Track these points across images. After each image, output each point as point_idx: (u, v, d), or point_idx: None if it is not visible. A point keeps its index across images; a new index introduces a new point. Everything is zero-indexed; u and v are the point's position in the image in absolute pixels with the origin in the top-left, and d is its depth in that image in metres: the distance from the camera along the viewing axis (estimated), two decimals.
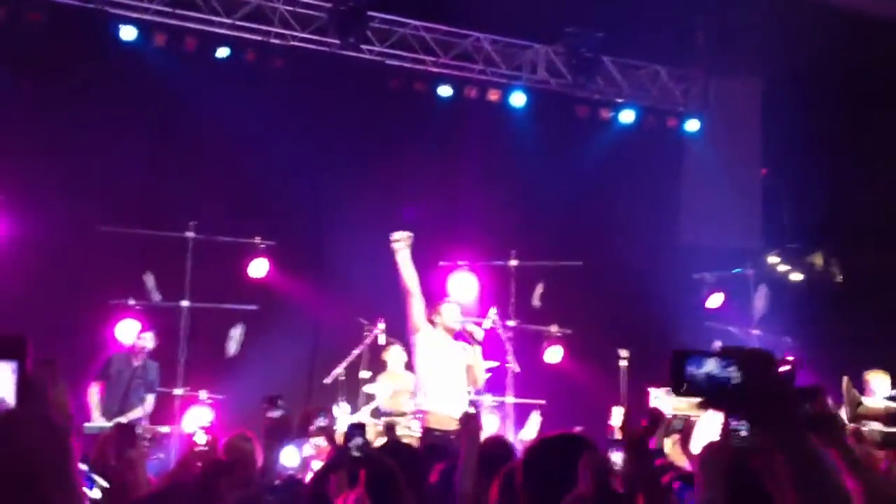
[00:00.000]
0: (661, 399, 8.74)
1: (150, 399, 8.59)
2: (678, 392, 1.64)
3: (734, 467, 2.96)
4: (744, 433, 2.78)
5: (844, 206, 10.96)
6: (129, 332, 8.75)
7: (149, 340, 8.59)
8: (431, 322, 7.35)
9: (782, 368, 1.65)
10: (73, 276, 9.01)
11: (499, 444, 4.67)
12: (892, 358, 9.27)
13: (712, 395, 1.62)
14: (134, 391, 8.38)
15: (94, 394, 8.35)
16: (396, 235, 7.30)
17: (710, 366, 1.60)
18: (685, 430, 5.28)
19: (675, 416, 5.21)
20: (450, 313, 7.40)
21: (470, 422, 4.17)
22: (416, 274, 7.23)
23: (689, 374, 1.61)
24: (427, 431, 7.04)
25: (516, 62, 11.39)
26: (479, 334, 7.41)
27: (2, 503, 1.08)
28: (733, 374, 1.59)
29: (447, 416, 6.94)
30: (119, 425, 3.95)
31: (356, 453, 4.17)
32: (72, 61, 9.59)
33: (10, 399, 1.60)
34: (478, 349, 7.40)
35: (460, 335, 7.35)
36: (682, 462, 5.31)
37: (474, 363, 7.37)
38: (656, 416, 5.54)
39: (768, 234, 11.78)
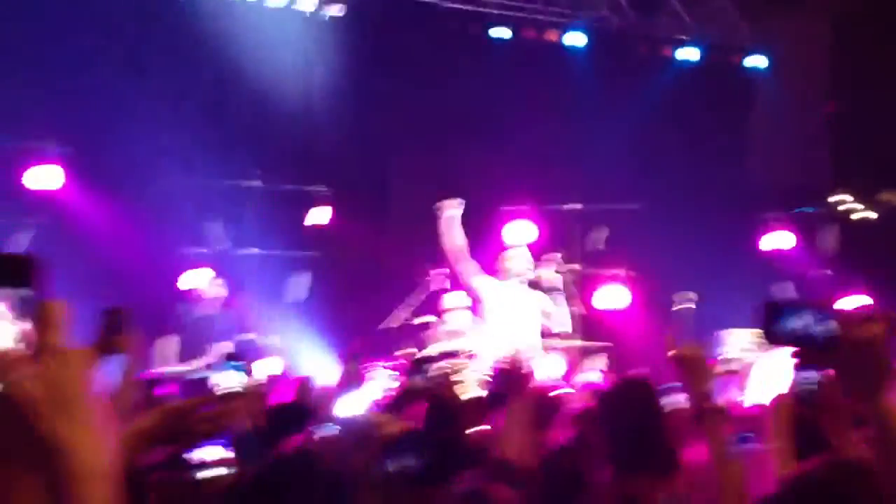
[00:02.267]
0: (729, 340, 8.66)
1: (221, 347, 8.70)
2: (773, 341, 1.61)
3: (802, 420, 2.95)
4: (811, 386, 2.75)
5: None
6: (199, 280, 8.87)
7: (219, 287, 8.64)
8: (500, 271, 7.35)
9: (879, 325, 1.61)
10: (142, 226, 9.15)
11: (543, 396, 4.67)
12: None
13: (805, 346, 1.59)
14: (206, 340, 8.45)
15: (167, 343, 8.44)
16: (445, 202, 7.28)
17: (806, 318, 1.57)
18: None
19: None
20: (518, 260, 7.39)
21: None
22: (463, 236, 7.17)
23: (783, 324, 1.59)
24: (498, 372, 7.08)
25: (576, 0, 11.15)
26: (558, 282, 7.37)
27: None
28: (829, 328, 1.56)
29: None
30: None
31: (425, 384, 4.23)
32: (125, 13, 9.63)
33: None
34: (558, 295, 7.37)
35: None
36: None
37: (556, 307, 7.33)
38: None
39: (837, 171, 11.48)
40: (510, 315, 7.29)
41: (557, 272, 8.89)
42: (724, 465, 2.55)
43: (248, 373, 3.55)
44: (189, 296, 8.82)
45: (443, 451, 2.78)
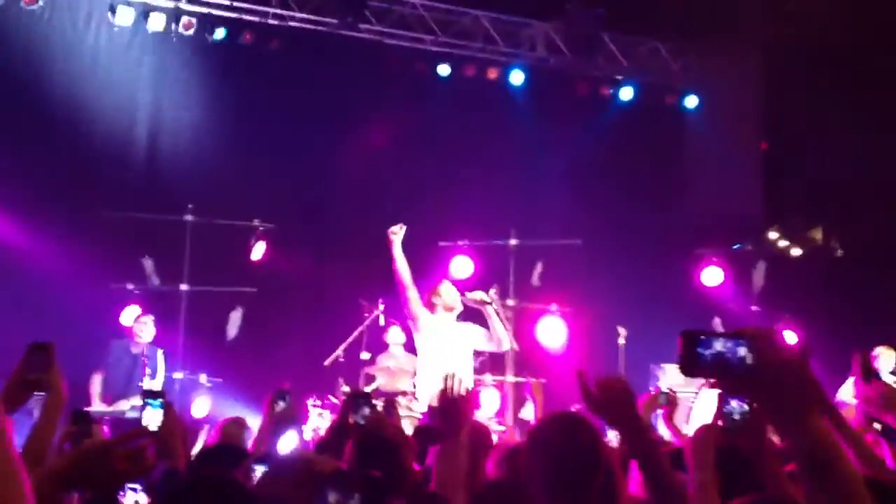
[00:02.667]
0: (663, 376, 8.80)
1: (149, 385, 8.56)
2: (689, 373, 1.59)
3: (726, 450, 2.96)
4: (737, 416, 2.77)
5: (844, 179, 10.91)
6: (129, 316, 8.75)
7: (147, 325, 8.51)
8: (431, 305, 7.37)
9: (795, 351, 1.61)
10: (71, 262, 9.02)
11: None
12: (894, 333, 9.29)
13: (723, 375, 1.57)
14: (136, 378, 8.32)
15: (95, 381, 8.30)
16: (394, 228, 7.31)
17: (721, 346, 1.55)
18: (670, 404, 5.30)
19: (659, 391, 5.25)
20: (447, 293, 7.42)
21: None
22: (408, 264, 7.23)
23: (699, 354, 1.56)
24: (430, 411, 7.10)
25: (515, 40, 11.33)
26: (485, 296, 7.39)
27: None
28: (745, 354, 1.53)
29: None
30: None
31: (361, 422, 4.23)
32: (67, 43, 9.57)
33: None
34: (490, 310, 7.39)
35: (466, 307, 7.38)
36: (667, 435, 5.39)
37: (492, 326, 7.36)
38: (672, 398, 5.49)
39: (769, 208, 11.75)
40: (446, 349, 7.32)
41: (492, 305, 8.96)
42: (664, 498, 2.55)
43: (166, 410, 3.49)
44: (120, 332, 8.70)
45: (374, 488, 2.78)
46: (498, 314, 7.49)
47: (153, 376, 8.36)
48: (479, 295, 7.42)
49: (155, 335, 8.55)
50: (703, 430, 2.83)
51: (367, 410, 4.32)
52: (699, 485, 2.71)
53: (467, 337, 7.42)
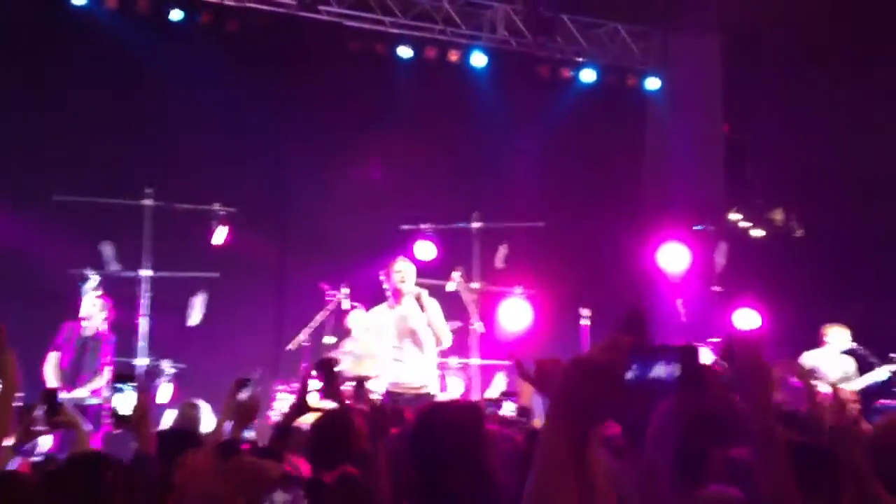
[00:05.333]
0: None
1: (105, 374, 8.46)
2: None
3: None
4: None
5: (805, 161, 11.03)
6: (87, 301, 8.60)
7: (97, 309, 8.39)
8: (389, 287, 7.43)
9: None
10: (29, 247, 8.86)
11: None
12: (851, 312, 9.45)
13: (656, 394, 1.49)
14: (89, 362, 8.25)
15: (49, 363, 8.20)
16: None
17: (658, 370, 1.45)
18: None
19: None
20: (408, 275, 7.45)
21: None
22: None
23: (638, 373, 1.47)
24: (388, 395, 7.13)
25: (476, 22, 11.28)
26: (424, 294, 7.45)
27: None
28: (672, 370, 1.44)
29: (399, 379, 7.15)
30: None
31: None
32: (22, 26, 9.38)
33: None
34: (433, 306, 7.44)
35: (397, 294, 7.42)
36: None
37: (433, 321, 7.41)
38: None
39: (730, 190, 11.85)
40: (385, 331, 7.43)
41: (457, 289, 8.97)
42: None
43: (138, 394, 3.42)
44: (77, 317, 8.56)
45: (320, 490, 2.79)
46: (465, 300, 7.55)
47: (113, 361, 8.27)
48: (408, 289, 7.45)
49: (109, 320, 8.41)
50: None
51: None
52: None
53: (412, 318, 7.48)
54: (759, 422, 2.25)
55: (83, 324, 8.33)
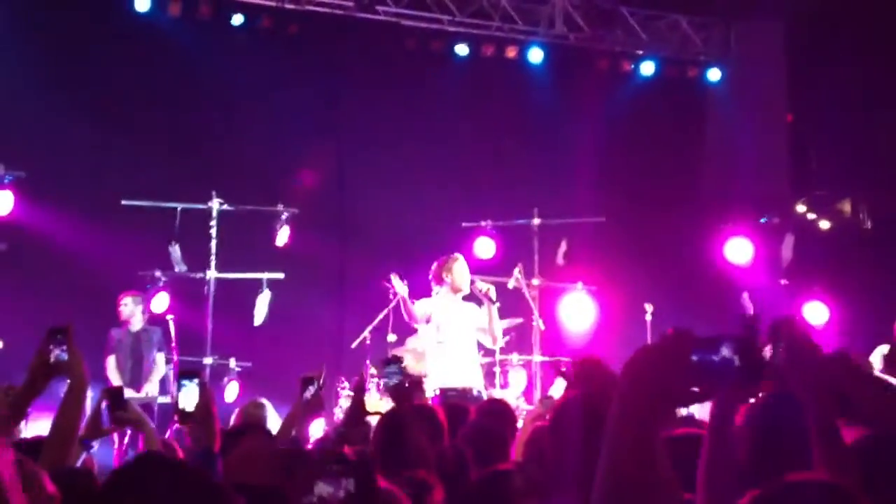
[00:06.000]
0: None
1: (160, 362, 8.76)
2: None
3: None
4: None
5: (873, 150, 10.76)
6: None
7: (130, 307, 8.67)
8: (440, 280, 7.42)
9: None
10: (98, 251, 9.09)
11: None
12: None
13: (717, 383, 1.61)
14: (146, 357, 8.61)
15: (109, 368, 8.54)
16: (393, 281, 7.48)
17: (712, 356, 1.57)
18: None
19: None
20: (459, 274, 7.45)
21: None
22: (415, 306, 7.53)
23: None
24: (442, 392, 7.15)
25: (533, 17, 11.23)
26: (492, 292, 7.43)
27: None
28: (730, 356, 1.57)
29: (456, 377, 7.16)
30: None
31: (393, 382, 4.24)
32: (88, 35, 9.61)
33: None
34: (494, 308, 7.44)
35: (471, 295, 7.43)
36: None
37: (490, 322, 7.41)
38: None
39: (795, 181, 11.61)
40: (450, 327, 7.44)
41: (518, 286, 8.96)
42: None
43: (202, 390, 3.46)
44: (119, 321, 8.81)
45: (367, 470, 2.79)
46: (503, 306, 7.54)
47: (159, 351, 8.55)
48: (484, 287, 7.43)
49: (147, 315, 8.65)
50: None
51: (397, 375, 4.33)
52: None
53: (470, 317, 7.48)
54: (813, 409, 2.20)
55: (129, 326, 8.63)
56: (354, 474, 2.34)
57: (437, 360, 7.45)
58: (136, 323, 8.73)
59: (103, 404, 3.41)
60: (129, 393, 8.05)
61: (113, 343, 8.65)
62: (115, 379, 8.33)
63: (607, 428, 1.54)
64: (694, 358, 1.55)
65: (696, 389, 1.59)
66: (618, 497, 1.50)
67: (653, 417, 1.53)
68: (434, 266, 7.63)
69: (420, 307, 7.50)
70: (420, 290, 8.76)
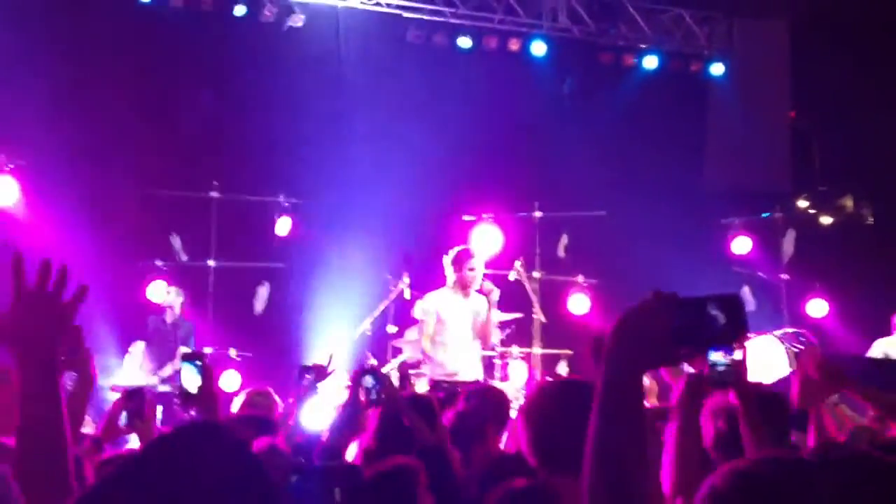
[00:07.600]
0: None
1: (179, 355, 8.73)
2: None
3: (721, 409, 2.99)
4: (721, 367, 2.76)
5: (875, 146, 10.73)
6: (159, 292, 8.86)
7: (173, 296, 8.67)
8: (455, 271, 7.43)
9: None
10: (99, 239, 9.09)
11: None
12: None
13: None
14: (173, 350, 8.56)
15: (136, 351, 8.50)
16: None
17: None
18: None
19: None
20: (473, 272, 7.44)
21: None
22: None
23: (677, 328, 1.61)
24: (435, 383, 7.16)
25: (536, 10, 11.20)
26: (495, 294, 7.43)
27: None
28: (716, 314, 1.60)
29: (453, 369, 7.16)
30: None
31: (373, 397, 4.25)
32: (89, 24, 9.60)
33: None
34: (494, 312, 7.47)
35: (479, 290, 7.42)
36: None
37: (487, 324, 7.43)
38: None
39: (797, 177, 11.59)
40: (450, 320, 7.45)
41: (518, 278, 8.95)
42: None
43: (205, 372, 3.45)
44: (155, 308, 8.81)
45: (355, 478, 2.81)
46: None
47: (187, 344, 8.55)
48: (488, 287, 7.43)
49: (183, 309, 8.68)
50: (689, 378, 2.87)
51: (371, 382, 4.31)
52: (680, 429, 2.79)
53: (472, 310, 7.48)
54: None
55: (164, 315, 8.63)
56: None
57: (438, 352, 7.45)
58: (173, 313, 8.70)
59: (122, 414, 3.42)
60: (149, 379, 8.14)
61: (150, 330, 8.66)
62: (135, 364, 8.32)
63: (596, 392, 1.56)
64: (679, 318, 1.58)
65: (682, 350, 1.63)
66: (612, 462, 1.51)
67: (640, 378, 1.56)
68: (452, 255, 7.57)
69: (425, 324, 7.52)
70: (420, 284, 8.77)
